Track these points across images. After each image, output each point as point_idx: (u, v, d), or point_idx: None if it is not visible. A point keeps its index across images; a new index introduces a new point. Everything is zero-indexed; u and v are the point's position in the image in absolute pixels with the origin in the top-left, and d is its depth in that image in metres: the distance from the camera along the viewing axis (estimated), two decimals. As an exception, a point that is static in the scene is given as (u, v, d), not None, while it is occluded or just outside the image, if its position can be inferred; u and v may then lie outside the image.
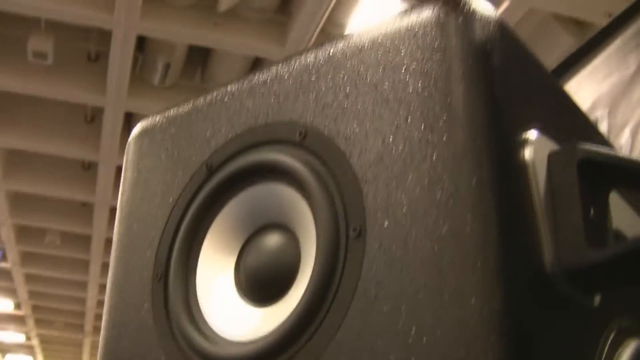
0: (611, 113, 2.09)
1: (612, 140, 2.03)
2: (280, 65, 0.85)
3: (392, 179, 0.70)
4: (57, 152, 7.60)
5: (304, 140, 0.78)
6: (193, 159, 0.89)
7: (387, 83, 0.74)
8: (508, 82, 0.74)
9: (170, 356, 0.82)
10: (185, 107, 0.94)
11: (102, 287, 11.18)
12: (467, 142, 0.67)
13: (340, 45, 0.79)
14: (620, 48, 2.09)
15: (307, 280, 0.73)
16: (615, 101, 2.08)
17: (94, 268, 10.16)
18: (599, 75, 2.16)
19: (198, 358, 0.79)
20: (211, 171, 0.86)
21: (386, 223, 0.69)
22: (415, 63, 0.72)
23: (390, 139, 0.72)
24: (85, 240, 9.41)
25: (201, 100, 0.92)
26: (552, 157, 0.73)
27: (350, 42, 0.79)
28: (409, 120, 0.71)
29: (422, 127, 0.70)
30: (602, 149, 0.74)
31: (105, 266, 10.46)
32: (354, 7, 5.62)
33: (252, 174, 0.82)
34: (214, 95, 0.91)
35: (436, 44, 0.72)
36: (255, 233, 0.83)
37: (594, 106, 2.14)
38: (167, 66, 6.29)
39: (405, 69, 0.73)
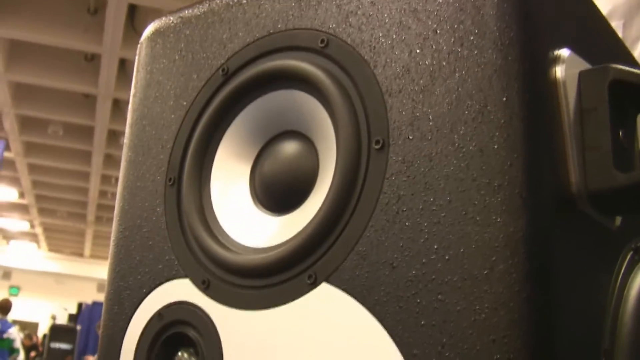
0: (626, 25, 2.03)
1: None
2: (301, -33, 0.81)
3: (419, 92, 0.68)
4: (60, 43, 7.52)
5: (326, 48, 0.76)
6: (208, 62, 0.86)
7: (415, -9, 0.70)
8: (542, -1, 0.71)
9: (183, 261, 0.82)
10: (200, 9, 0.90)
11: (104, 178, 11.23)
12: (498, 58, 0.65)
13: (366, -52, 0.75)
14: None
15: (325, 190, 0.72)
16: (631, 13, 2.02)
17: (97, 159, 10.20)
18: (615, -15, 2.09)
19: (212, 264, 0.78)
20: (228, 76, 0.83)
21: (410, 137, 0.67)
22: (446, -29, 0.69)
23: (418, 51, 0.69)
24: (87, 132, 9.42)
25: (217, 1, 0.88)
26: (583, 76, 0.71)
27: (377, -55, 0.75)
28: (438, 32, 0.68)
29: (452, 40, 0.67)
30: (635, 70, 0.71)
31: (107, 157, 10.51)
32: None
33: (271, 80, 0.80)
34: (232, -4, 0.87)
35: (469, -47, 0.68)
36: (271, 140, 0.82)
37: (609, 16, 2.08)
38: (173, -43, 6.15)
39: (435, -23, 0.69)
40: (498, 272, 0.60)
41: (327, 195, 0.71)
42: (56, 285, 18.19)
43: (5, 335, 8.15)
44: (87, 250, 16.85)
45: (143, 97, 0.93)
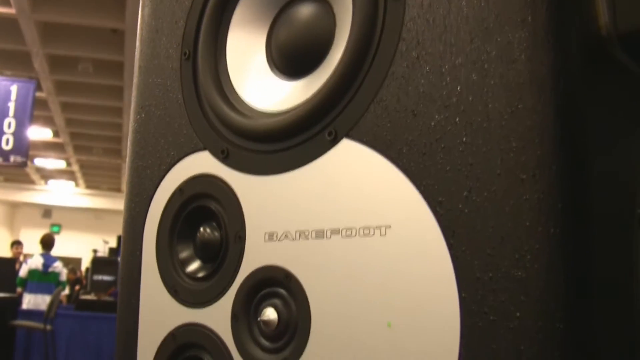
0: None
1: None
2: None
3: None
4: (84, -22, 7.45)
5: None
6: None
7: None
8: None
9: (201, 133, 0.80)
10: None
11: (137, 114, 11.21)
12: None
13: None
14: None
15: (343, 48, 0.69)
16: None
17: (128, 94, 10.19)
18: None
19: (231, 133, 0.76)
20: (238, -59, 0.80)
21: (428, -21, 0.64)
22: None
23: None
24: (117, 67, 9.40)
25: None
26: None
27: None
28: None
29: None
30: None
31: (138, 93, 10.41)
32: None
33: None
34: None
35: None
36: (287, 4, 0.78)
37: None
38: None
39: None
40: (525, 110, 0.58)
41: (345, 50, 0.68)
42: (96, 221, 18.48)
43: (50, 269, 8.29)
44: (124, 185, 16.99)
45: (154, -24, 0.90)
